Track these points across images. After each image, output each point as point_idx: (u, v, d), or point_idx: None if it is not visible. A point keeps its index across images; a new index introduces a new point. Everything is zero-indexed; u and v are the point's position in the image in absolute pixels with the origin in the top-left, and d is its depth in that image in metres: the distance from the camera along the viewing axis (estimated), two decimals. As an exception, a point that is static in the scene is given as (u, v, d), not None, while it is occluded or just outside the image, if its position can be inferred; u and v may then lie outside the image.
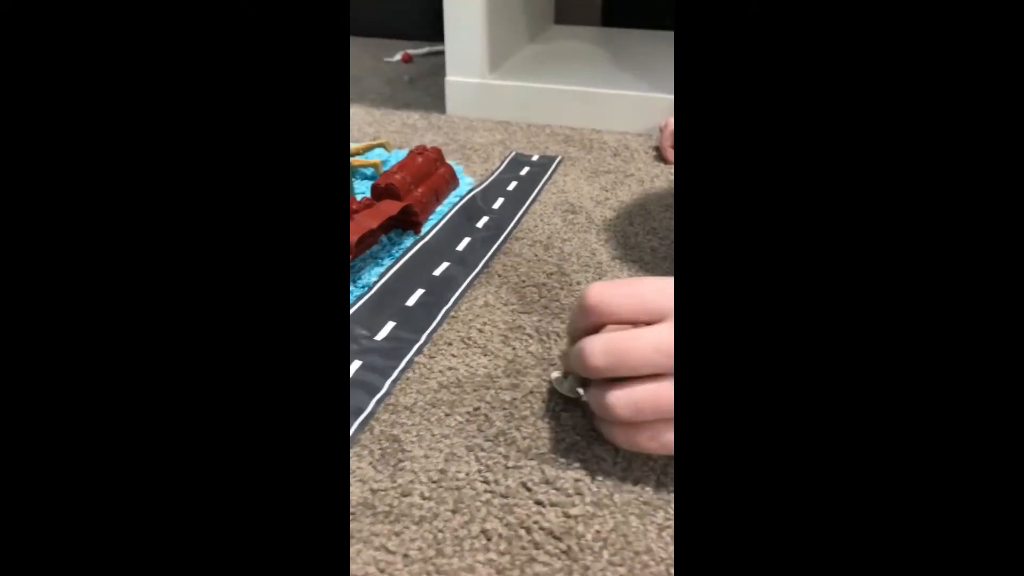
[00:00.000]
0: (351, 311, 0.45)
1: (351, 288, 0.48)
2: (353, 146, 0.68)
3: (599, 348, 0.30)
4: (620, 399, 0.30)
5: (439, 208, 0.60)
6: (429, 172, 0.60)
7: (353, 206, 0.52)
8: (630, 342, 0.30)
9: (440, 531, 0.31)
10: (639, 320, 0.31)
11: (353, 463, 0.34)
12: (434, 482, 0.33)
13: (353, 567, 0.29)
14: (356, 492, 0.33)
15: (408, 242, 0.54)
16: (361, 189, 0.63)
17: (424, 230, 0.56)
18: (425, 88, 1.01)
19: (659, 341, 0.29)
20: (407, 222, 0.55)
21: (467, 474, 0.34)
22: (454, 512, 0.32)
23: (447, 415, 0.38)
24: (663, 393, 0.29)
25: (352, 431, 0.36)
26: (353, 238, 0.47)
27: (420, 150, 0.62)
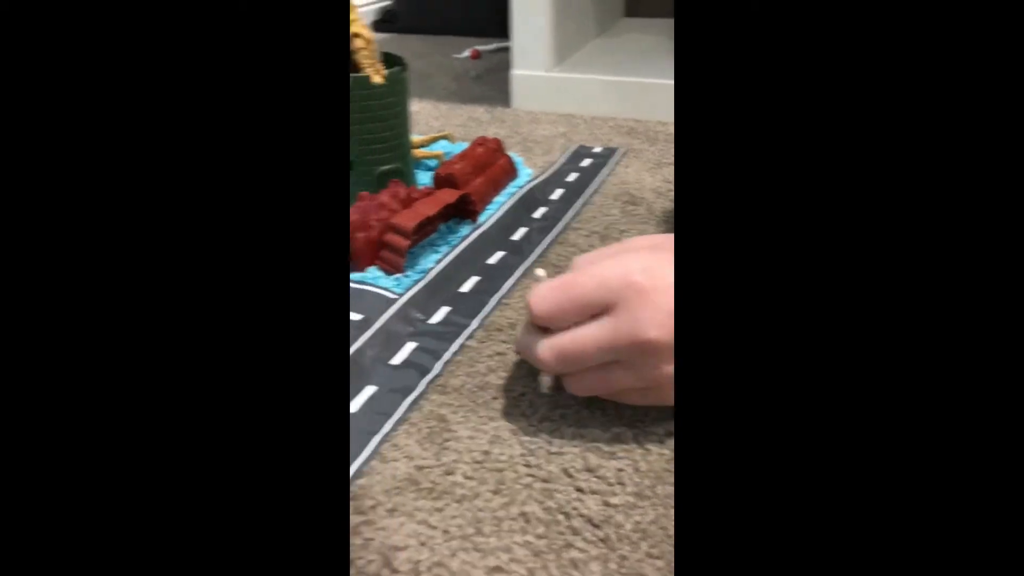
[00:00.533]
0: (409, 294, 0.46)
1: (409, 273, 0.49)
2: (417, 138, 0.70)
3: (549, 351, 0.34)
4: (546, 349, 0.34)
5: (497, 198, 0.61)
6: (489, 163, 0.61)
7: (414, 195, 0.53)
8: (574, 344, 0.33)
9: (480, 511, 0.31)
10: (582, 319, 0.33)
11: (401, 440, 0.35)
12: (477, 463, 0.34)
13: (396, 538, 0.30)
14: (402, 468, 0.33)
15: (465, 231, 0.55)
16: (424, 180, 0.65)
17: (481, 219, 0.57)
18: (491, 83, 1.02)
19: (601, 340, 0.32)
20: (465, 211, 0.56)
21: (510, 457, 0.34)
22: (495, 493, 0.32)
23: (494, 399, 0.38)
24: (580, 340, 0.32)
25: (402, 410, 0.37)
26: (412, 224, 0.48)
27: (481, 141, 0.63)
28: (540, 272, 0.37)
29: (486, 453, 0.34)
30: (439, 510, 0.31)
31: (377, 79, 0.53)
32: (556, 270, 0.51)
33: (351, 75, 0.52)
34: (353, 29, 0.54)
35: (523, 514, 0.31)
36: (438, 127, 0.83)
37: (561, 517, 0.30)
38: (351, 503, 0.32)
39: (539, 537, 0.30)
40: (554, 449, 0.34)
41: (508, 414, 0.37)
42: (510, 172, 0.63)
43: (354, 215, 0.49)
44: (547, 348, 0.33)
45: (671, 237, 0.35)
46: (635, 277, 0.31)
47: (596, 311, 0.32)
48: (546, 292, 0.33)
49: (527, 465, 0.33)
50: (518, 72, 0.87)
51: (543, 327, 0.34)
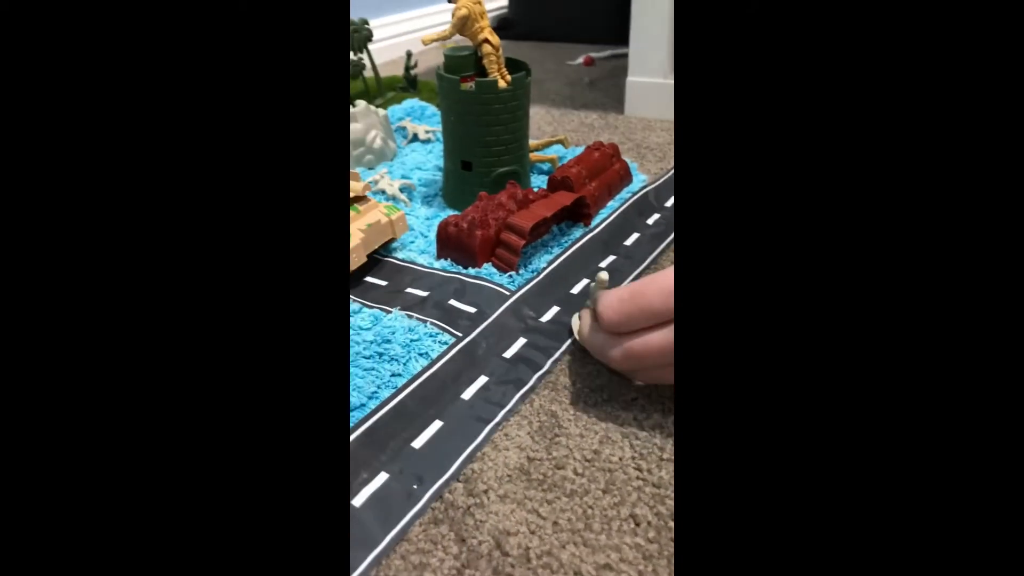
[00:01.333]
0: (522, 292, 0.47)
1: (522, 271, 0.50)
2: (532, 142, 0.72)
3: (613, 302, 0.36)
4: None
5: (611, 203, 0.61)
6: (604, 167, 0.61)
7: (530, 196, 0.54)
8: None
9: (590, 507, 0.31)
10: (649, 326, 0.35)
11: (512, 430, 0.36)
12: (587, 460, 0.34)
13: (507, 523, 0.31)
14: (513, 457, 0.34)
15: (578, 233, 0.56)
16: (538, 182, 0.66)
17: (594, 223, 0.57)
18: (605, 90, 1.02)
19: (665, 347, 0.34)
20: (579, 214, 0.57)
21: (620, 459, 0.34)
22: (605, 492, 0.32)
23: (605, 400, 0.38)
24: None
25: (513, 401, 0.38)
26: (528, 224, 0.50)
27: (597, 146, 0.63)
28: (604, 275, 0.38)
29: (596, 452, 0.34)
30: (549, 502, 0.32)
31: (502, 84, 0.55)
32: (669, 277, 0.50)
33: (478, 80, 0.55)
34: (482, 36, 0.56)
35: (633, 516, 0.31)
36: (551, 132, 0.84)
37: (672, 524, 0.30)
38: (463, 484, 0.33)
39: (650, 541, 0.29)
40: (666, 456, 0.34)
41: (618, 417, 0.37)
42: (625, 177, 0.63)
43: (474, 214, 0.51)
44: (619, 350, 0.36)
45: None
46: None
47: (665, 318, 0.34)
48: (615, 302, 0.35)
49: (638, 468, 0.33)
50: (634, 79, 0.87)
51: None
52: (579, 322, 0.42)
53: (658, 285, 0.34)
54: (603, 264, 0.52)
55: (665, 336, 0.34)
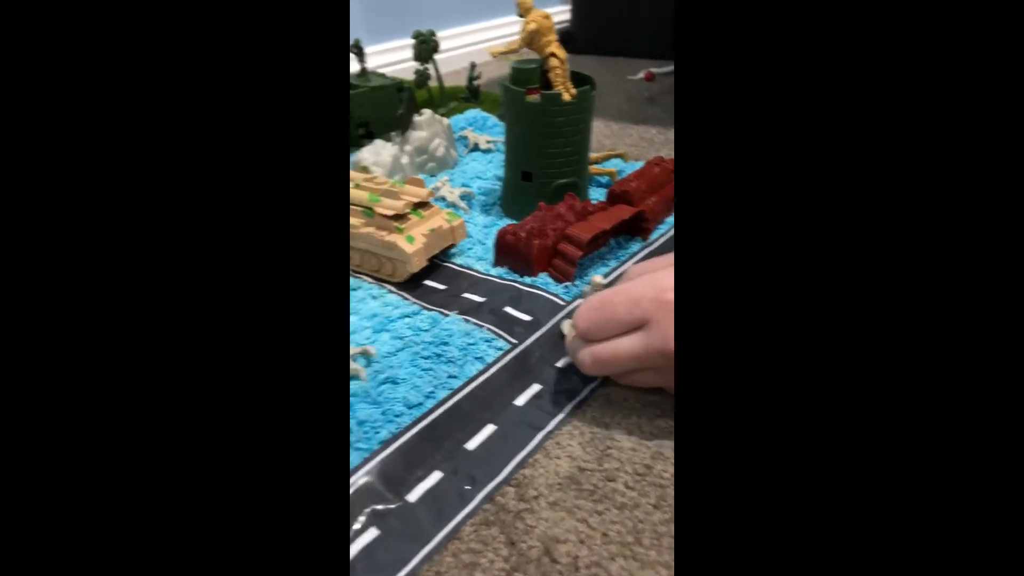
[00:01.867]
0: (577, 302, 0.48)
1: (578, 283, 0.51)
2: (592, 155, 0.72)
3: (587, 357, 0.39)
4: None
5: (669, 218, 0.61)
6: (664, 182, 0.61)
7: (589, 208, 0.55)
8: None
9: (640, 522, 0.31)
10: (619, 333, 0.37)
11: (564, 439, 0.37)
12: (639, 475, 0.34)
13: (556, 531, 0.31)
14: (564, 466, 0.35)
15: (636, 247, 0.56)
16: (596, 195, 0.67)
17: (652, 238, 0.57)
18: (664, 105, 1.02)
19: (633, 351, 0.37)
20: (637, 228, 0.57)
21: (672, 476, 0.34)
22: (655, 507, 0.32)
23: (658, 416, 0.38)
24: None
25: (567, 411, 0.39)
26: (587, 236, 0.50)
27: (657, 161, 0.63)
28: (598, 278, 0.40)
29: (648, 467, 0.34)
30: (599, 513, 0.32)
31: (567, 97, 0.56)
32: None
33: (543, 92, 0.56)
34: (550, 49, 0.57)
35: (685, 534, 0.30)
36: (610, 145, 0.85)
37: (725, 545, 0.30)
38: (515, 489, 0.33)
39: (701, 560, 0.29)
40: (720, 476, 0.33)
41: (672, 433, 0.37)
42: (684, 194, 0.63)
43: (532, 223, 0.52)
44: (587, 354, 0.38)
45: None
46: (665, 296, 0.35)
47: (631, 327, 0.36)
48: (586, 312, 0.38)
49: (690, 486, 0.33)
50: (697, 95, 0.86)
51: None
52: (568, 328, 0.43)
53: (626, 295, 0.36)
54: (660, 280, 0.52)
55: (631, 343, 0.36)
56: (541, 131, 0.57)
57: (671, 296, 0.35)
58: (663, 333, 0.35)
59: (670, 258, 0.41)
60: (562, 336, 0.44)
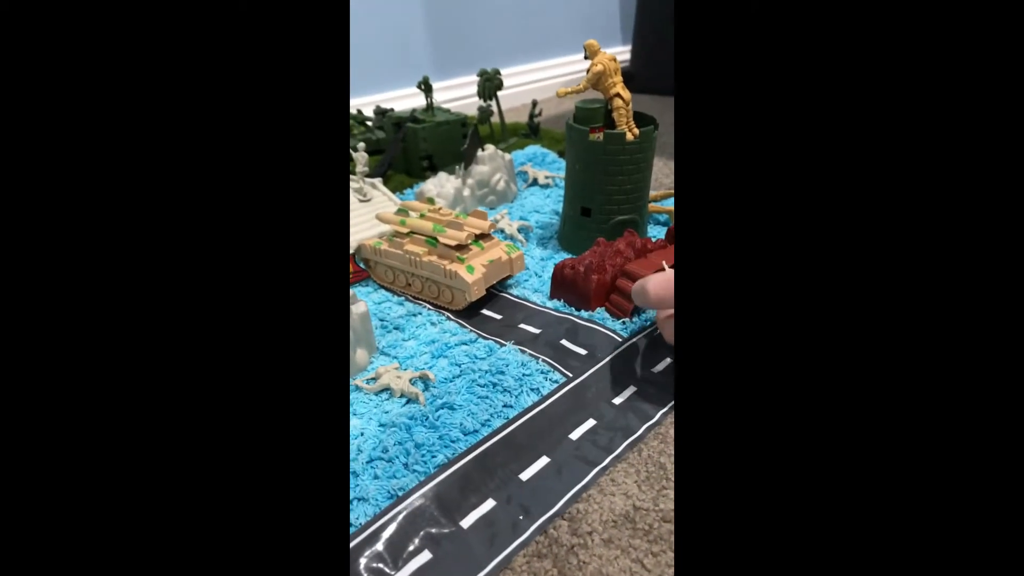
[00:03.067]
0: (634, 339, 0.48)
1: (635, 319, 0.51)
2: (652, 193, 0.72)
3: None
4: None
5: (729, 259, 0.60)
6: (724, 223, 0.61)
7: (649, 245, 0.55)
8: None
9: (697, 567, 0.30)
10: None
11: (619, 477, 0.36)
12: (696, 518, 0.33)
13: (610, 569, 0.31)
14: (620, 504, 0.34)
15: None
16: (653, 232, 0.67)
17: (711, 278, 0.57)
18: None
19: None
20: (696, 268, 0.57)
21: (731, 522, 0.33)
22: (714, 554, 0.31)
23: (716, 459, 0.37)
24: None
25: (620, 448, 0.38)
26: (645, 273, 0.50)
27: (718, 201, 0.63)
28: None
29: (705, 511, 0.34)
30: (655, 554, 0.31)
31: (630, 136, 0.57)
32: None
33: (607, 131, 0.57)
34: (615, 90, 0.58)
35: (744, 584, 0.29)
36: (668, 184, 0.85)
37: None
38: (568, 523, 0.33)
39: (761, 613, 0.28)
40: (782, 526, 0.32)
41: (731, 478, 0.36)
42: (745, 235, 0.62)
43: (591, 258, 0.53)
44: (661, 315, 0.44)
45: None
46: None
47: None
48: (661, 282, 0.43)
49: (750, 535, 0.32)
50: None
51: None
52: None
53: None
54: (719, 320, 0.51)
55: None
56: (603, 168, 0.58)
57: None
58: None
59: None
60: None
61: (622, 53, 1.62)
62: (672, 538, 0.32)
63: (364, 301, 0.47)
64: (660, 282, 0.43)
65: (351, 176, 0.68)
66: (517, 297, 0.56)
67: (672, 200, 0.75)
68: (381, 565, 0.31)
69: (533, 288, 0.57)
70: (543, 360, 0.46)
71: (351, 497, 0.35)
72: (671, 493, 0.35)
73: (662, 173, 0.89)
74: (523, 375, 0.44)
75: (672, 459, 0.37)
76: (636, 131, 0.58)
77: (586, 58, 0.59)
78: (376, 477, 0.36)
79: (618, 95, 0.58)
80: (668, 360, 0.46)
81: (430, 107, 0.90)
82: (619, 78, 0.59)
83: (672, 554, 0.31)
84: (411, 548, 0.32)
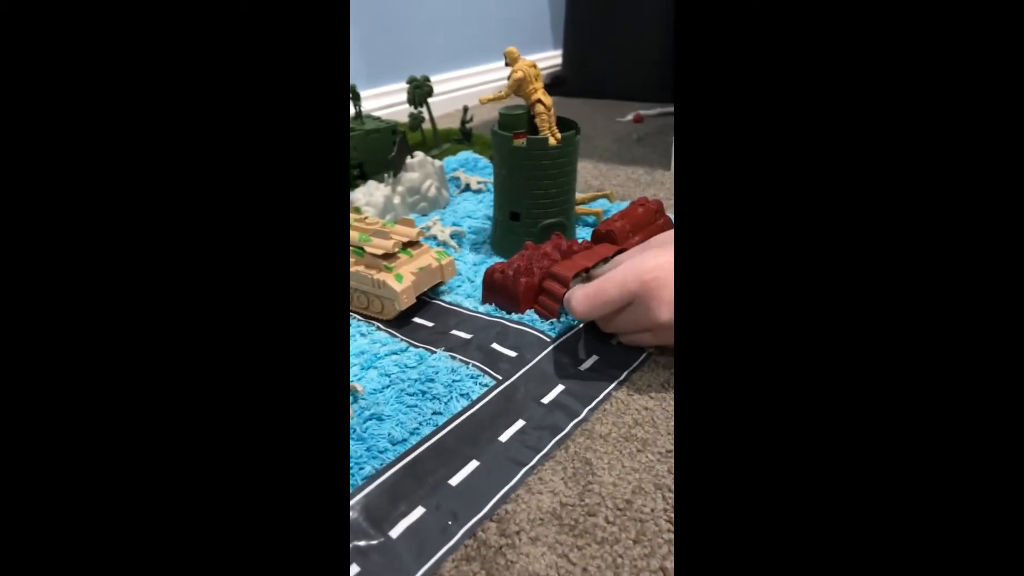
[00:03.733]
0: (562, 339, 0.49)
1: (563, 319, 0.52)
2: (579, 195, 0.74)
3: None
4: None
5: (653, 257, 0.62)
6: (648, 222, 0.63)
7: (575, 247, 0.56)
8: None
9: (620, 556, 0.32)
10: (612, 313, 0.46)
11: (547, 475, 0.37)
12: (619, 510, 0.34)
13: (537, 566, 0.31)
14: (546, 501, 0.35)
15: (620, 285, 0.57)
16: (583, 234, 0.68)
17: (636, 276, 0.59)
18: (652, 146, 1.05)
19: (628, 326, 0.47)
20: (621, 267, 0.58)
21: (652, 510, 0.34)
22: (635, 542, 0.32)
23: (639, 451, 0.39)
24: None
25: (548, 447, 0.39)
26: (570, 274, 0.51)
27: (642, 202, 0.65)
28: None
29: (628, 502, 0.35)
30: (580, 548, 0.32)
31: (553, 141, 0.58)
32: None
33: (530, 137, 0.58)
34: (536, 96, 0.60)
35: (663, 568, 0.31)
36: (597, 186, 0.87)
37: (703, 580, 0.30)
38: (496, 524, 0.34)
39: (678, 595, 0.29)
40: (698, 510, 0.34)
41: (652, 468, 0.37)
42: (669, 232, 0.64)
43: (519, 261, 0.54)
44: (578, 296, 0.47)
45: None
46: (646, 276, 0.43)
47: (621, 306, 0.45)
48: (581, 299, 0.46)
49: (669, 522, 0.33)
50: (681, 137, 0.89)
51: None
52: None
53: (613, 280, 0.44)
54: (643, 316, 0.53)
55: (626, 318, 0.46)
56: (528, 173, 0.59)
57: (652, 275, 0.43)
58: (647, 307, 0.44)
59: (649, 243, 0.50)
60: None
61: (553, 58, 1.65)
62: (596, 531, 0.33)
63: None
64: (581, 299, 0.46)
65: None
66: (449, 303, 0.56)
67: (598, 203, 0.77)
68: (307, 583, 0.30)
69: (466, 294, 0.58)
70: (473, 365, 0.46)
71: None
72: (596, 488, 0.36)
73: (591, 175, 0.92)
74: (453, 381, 0.44)
75: (597, 456, 0.39)
76: (559, 136, 0.59)
77: (507, 65, 0.60)
78: (302, 494, 0.35)
79: (539, 101, 0.59)
80: (595, 357, 0.48)
81: (359, 115, 0.90)
82: (540, 84, 0.60)
83: (596, 546, 0.32)
84: (338, 563, 0.31)
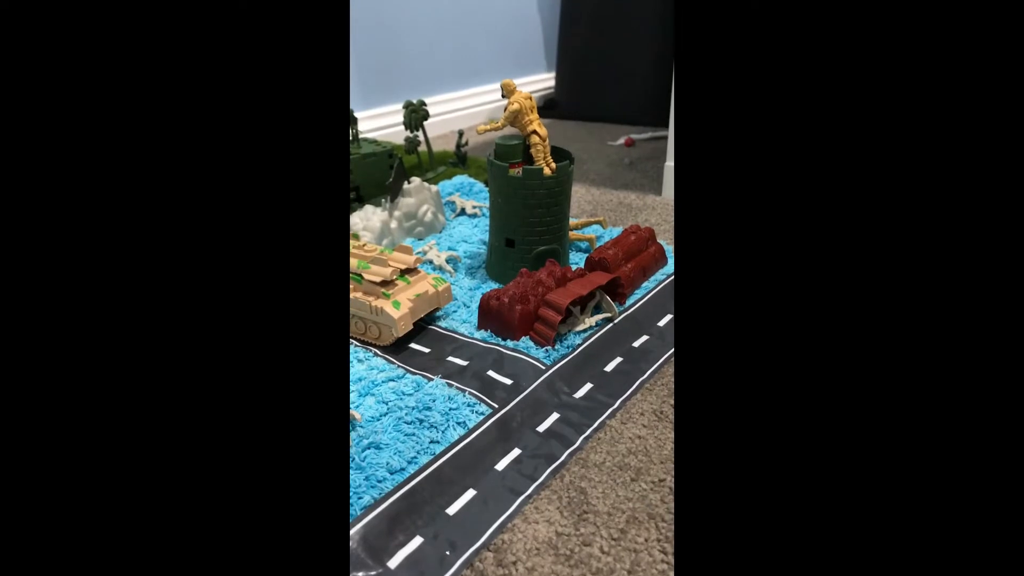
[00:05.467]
0: (556, 367, 0.50)
1: (558, 347, 0.53)
2: (572, 221, 0.76)
3: None
4: None
5: (645, 284, 0.63)
6: (640, 250, 0.64)
7: (568, 274, 0.57)
8: None
9: (614, 587, 0.32)
10: None
11: (542, 504, 0.38)
12: (614, 539, 0.35)
13: (533, 597, 0.32)
14: (542, 531, 0.36)
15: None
16: (576, 260, 0.70)
17: (629, 303, 0.60)
18: (643, 170, 1.07)
19: None
20: (614, 294, 0.60)
21: (646, 540, 0.35)
22: (630, 572, 0.33)
23: (633, 479, 0.39)
24: None
25: (544, 476, 0.40)
26: (564, 302, 0.53)
27: (634, 229, 0.67)
28: None
29: (623, 532, 0.36)
30: (575, 578, 0.33)
31: (547, 172, 0.60)
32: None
33: (525, 167, 0.59)
34: (531, 127, 0.61)
35: (657, 599, 0.31)
36: (590, 211, 0.89)
37: (695, 610, 0.31)
38: (493, 554, 0.34)
39: (672, 626, 0.30)
40: (691, 540, 0.35)
41: (646, 498, 0.38)
42: (660, 260, 0.66)
43: (515, 289, 0.55)
44: None
45: None
46: None
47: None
48: None
49: (663, 552, 0.34)
50: (672, 164, 0.91)
51: None
52: None
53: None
54: (636, 344, 0.54)
55: None
56: (523, 202, 0.60)
57: None
58: None
59: None
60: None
61: (546, 80, 1.67)
62: (592, 562, 0.34)
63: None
64: None
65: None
66: (445, 329, 0.57)
67: (592, 229, 0.78)
68: (307, 614, 0.31)
69: (462, 319, 0.58)
70: (470, 393, 0.47)
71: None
72: (591, 517, 0.37)
73: (584, 200, 0.93)
74: (450, 409, 0.45)
75: (592, 485, 0.39)
76: (553, 167, 0.61)
77: (503, 96, 0.62)
78: (302, 524, 0.36)
79: (535, 132, 0.61)
80: (589, 385, 0.49)
81: (355, 138, 0.91)
82: (535, 116, 0.62)
83: (591, 577, 0.33)
84: (338, 594, 0.32)
